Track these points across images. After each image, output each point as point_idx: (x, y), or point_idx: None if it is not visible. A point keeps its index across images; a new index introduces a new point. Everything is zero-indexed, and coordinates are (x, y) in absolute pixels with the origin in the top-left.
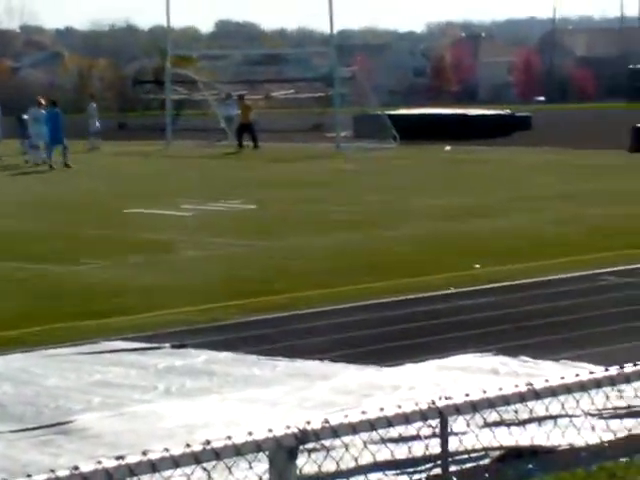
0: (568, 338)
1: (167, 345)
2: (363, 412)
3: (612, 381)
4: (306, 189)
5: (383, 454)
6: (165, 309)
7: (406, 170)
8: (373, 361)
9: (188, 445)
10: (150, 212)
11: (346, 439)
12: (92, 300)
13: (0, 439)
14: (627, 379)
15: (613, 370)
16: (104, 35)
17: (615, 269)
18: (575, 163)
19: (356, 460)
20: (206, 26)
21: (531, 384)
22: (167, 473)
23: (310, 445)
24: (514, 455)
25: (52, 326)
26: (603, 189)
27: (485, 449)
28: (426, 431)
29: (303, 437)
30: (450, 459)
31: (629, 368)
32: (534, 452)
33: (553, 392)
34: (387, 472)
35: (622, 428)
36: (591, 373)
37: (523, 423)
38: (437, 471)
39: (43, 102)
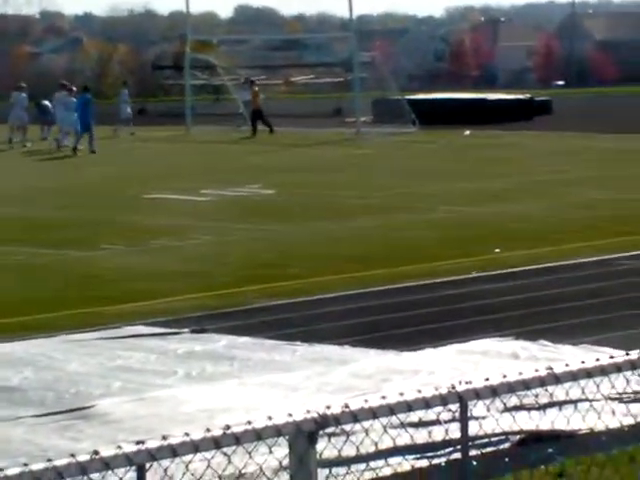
0: (588, 322)
1: (187, 330)
2: (383, 397)
3: (633, 365)
4: (325, 174)
5: (403, 439)
6: (185, 294)
7: (426, 155)
8: (393, 346)
9: (208, 430)
10: (170, 197)
11: (366, 424)
12: (112, 285)
13: (21, 424)
14: None
15: (634, 354)
16: (123, 20)
17: (635, 253)
18: (598, 147)
19: (376, 445)
20: (225, 11)
21: (551, 368)
22: (187, 458)
23: (330, 430)
24: (534, 439)
25: (72, 311)
26: (626, 174)
27: (505, 433)
28: (446, 415)
29: (323, 422)
30: (470, 443)
31: None
32: (554, 436)
33: (574, 376)
34: (407, 456)
35: None
36: (611, 357)
37: (543, 407)
38: (457, 455)
39: (74, 88)
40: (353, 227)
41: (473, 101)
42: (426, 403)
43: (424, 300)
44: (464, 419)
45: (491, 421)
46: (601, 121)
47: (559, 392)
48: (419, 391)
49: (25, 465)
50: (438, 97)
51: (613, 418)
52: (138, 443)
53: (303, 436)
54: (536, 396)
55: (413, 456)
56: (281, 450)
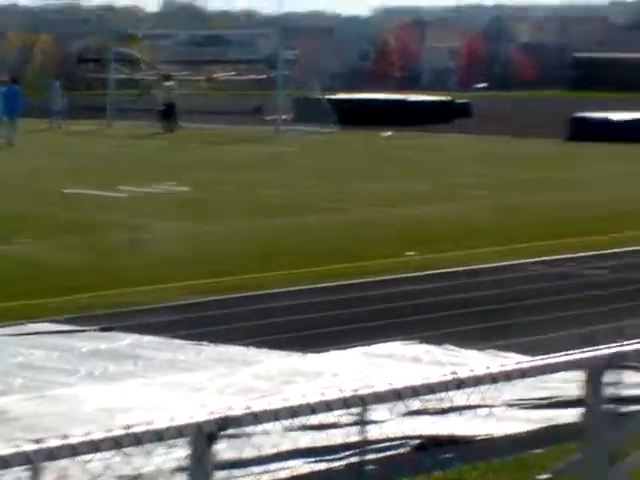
0: (493, 327)
1: (93, 328)
2: (285, 399)
3: (537, 371)
4: (242, 172)
5: (304, 441)
6: (95, 290)
7: (345, 154)
8: (298, 347)
9: (109, 430)
10: (88, 193)
11: (267, 426)
12: (20, 280)
13: None
14: (554, 369)
15: (538, 360)
16: (49, 12)
17: (545, 258)
18: (510, 152)
19: (276, 447)
20: (151, 6)
21: (456, 373)
22: (87, 457)
23: (231, 431)
24: (433, 444)
25: None
26: (535, 178)
27: (405, 437)
28: (348, 419)
29: (224, 423)
30: (370, 447)
31: (554, 358)
32: (453, 442)
33: (478, 381)
34: (307, 459)
35: (543, 419)
36: (517, 363)
37: (444, 412)
38: (356, 459)
39: None
40: (267, 226)
41: (393, 102)
42: (328, 406)
43: (332, 302)
44: (364, 422)
45: (392, 425)
46: (519, 125)
47: (459, 398)
48: (322, 394)
49: None
50: (359, 97)
51: (512, 424)
52: (37, 442)
53: (203, 437)
54: (439, 400)
55: (312, 459)
56: (181, 451)
